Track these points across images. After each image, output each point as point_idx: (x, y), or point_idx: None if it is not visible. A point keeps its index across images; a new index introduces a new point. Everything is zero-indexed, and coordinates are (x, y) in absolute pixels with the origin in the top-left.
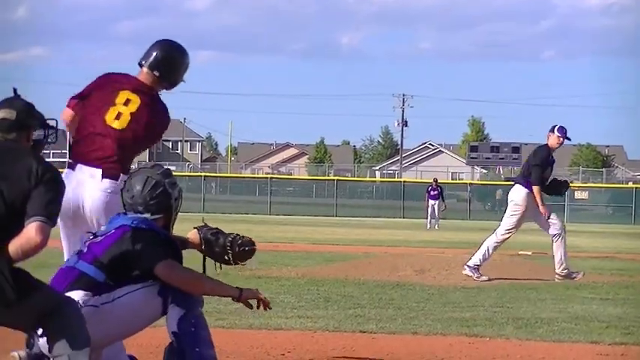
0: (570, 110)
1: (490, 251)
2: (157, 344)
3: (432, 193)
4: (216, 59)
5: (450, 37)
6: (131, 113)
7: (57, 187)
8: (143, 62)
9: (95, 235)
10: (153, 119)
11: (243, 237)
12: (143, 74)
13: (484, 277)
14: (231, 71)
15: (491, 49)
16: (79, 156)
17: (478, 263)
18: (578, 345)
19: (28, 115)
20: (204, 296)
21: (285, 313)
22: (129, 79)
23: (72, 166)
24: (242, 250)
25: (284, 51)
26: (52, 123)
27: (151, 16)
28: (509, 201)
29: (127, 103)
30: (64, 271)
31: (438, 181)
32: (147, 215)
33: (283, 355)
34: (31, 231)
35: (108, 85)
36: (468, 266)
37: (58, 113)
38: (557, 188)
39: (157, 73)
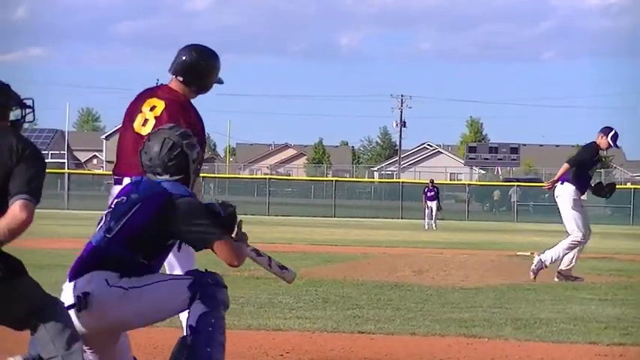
0: (569, 111)
1: (564, 251)
2: (156, 345)
3: (428, 194)
4: None
5: (449, 38)
6: (155, 117)
7: (38, 163)
8: (170, 69)
9: (120, 209)
10: (176, 122)
11: (218, 202)
12: (172, 82)
13: (532, 276)
14: (229, 71)
15: (491, 50)
16: (124, 169)
17: (549, 261)
18: (577, 346)
19: (4, 95)
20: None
21: (284, 314)
22: (159, 87)
23: (119, 181)
24: (225, 212)
25: (283, 52)
26: (28, 102)
27: (151, 17)
28: (557, 199)
29: (152, 108)
30: (91, 248)
31: (435, 181)
32: (166, 177)
33: (282, 355)
34: (15, 209)
35: (139, 97)
36: (539, 256)
37: (57, 111)
38: (602, 190)
39: (180, 79)
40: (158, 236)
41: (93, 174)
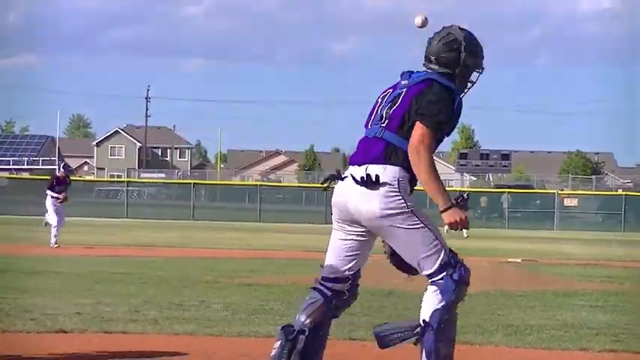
0: (560, 118)
1: None
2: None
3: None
4: (205, 66)
5: None
6: None
7: None
8: None
9: (389, 98)
10: None
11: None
12: None
13: None
14: (220, 78)
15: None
16: None
17: None
18: (568, 352)
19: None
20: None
21: (275, 321)
22: None
23: None
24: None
25: (275, 58)
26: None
27: (142, 24)
28: None
29: None
30: (370, 140)
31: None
32: (435, 67)
33: None
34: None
35: None
36: None
37: (48, 118)
38: None
39: None
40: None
41: (84, 180)
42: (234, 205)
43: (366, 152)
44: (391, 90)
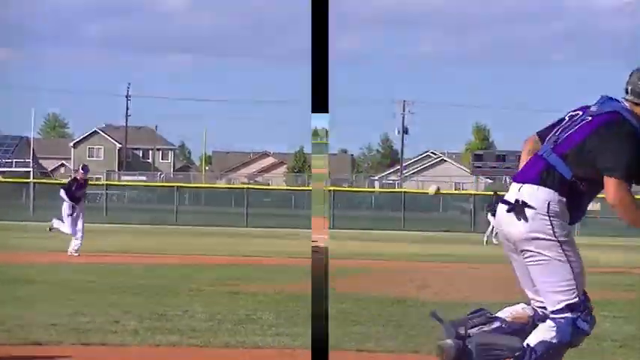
0: None
1: None
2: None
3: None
4: (190, 63)
5: (453, 41)
6: None
7: None
8: None
9: (571, 121)
10: None
11: None
12: None
13: None
14: (205, 76)
15: (498, 53)
16: None
17: None
18: None
19: None
20: None
21: (263, 331)
22: None
23: None
24: None
25: (262, 55)
26: None
27: (122, 18)
28: None
29: None
30: (535, 158)
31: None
32: (631, 97)
33: None
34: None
35: None
36: None
37: (21, 117)
38: None
39: None
40: (588, 158)
41: (60, 183)
42: (220, 209)
43: (527, 170)
44: (580, 112)
